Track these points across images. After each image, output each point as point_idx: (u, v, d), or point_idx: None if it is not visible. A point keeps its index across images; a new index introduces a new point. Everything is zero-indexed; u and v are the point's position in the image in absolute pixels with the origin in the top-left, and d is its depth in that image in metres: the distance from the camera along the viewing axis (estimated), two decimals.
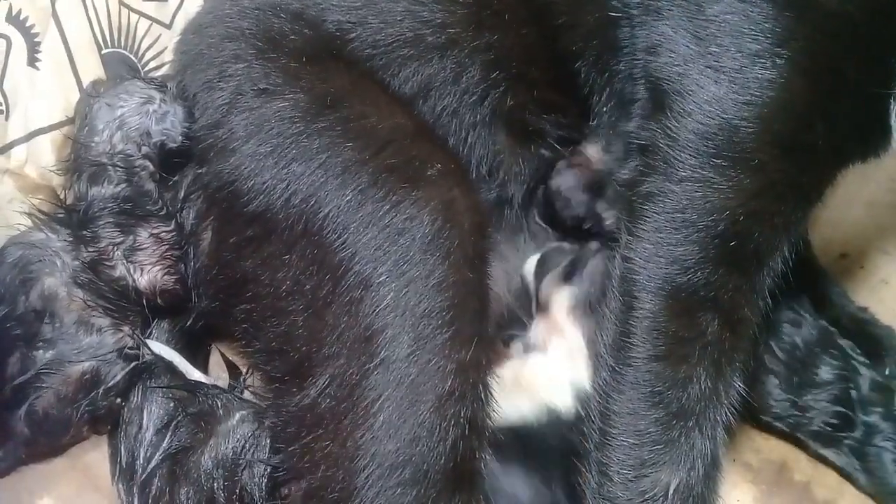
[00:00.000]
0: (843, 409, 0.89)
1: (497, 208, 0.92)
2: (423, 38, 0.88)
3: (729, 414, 0.76)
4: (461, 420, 0.72)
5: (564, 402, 0.85)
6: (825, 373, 0.90)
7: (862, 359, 0.91)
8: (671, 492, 0.74)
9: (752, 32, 0.74)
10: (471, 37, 0.88)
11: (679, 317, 0.75)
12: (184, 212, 0.90)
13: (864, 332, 0.96)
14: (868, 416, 0.88)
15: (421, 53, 0.88)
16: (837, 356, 0.91)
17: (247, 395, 0.89)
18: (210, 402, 0.85)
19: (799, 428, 0.91)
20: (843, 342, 0.92)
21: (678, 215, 0.75)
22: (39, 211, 0.91)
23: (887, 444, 0.87)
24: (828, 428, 0.89)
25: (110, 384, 0.87)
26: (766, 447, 0.94)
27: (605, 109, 0.89)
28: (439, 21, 0.88)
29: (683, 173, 0.76)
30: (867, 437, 0.88)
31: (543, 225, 0.96)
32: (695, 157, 0.75)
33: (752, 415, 0.92)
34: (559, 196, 0.94)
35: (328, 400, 0.73)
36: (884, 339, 0.96)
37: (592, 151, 0.93)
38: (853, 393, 0.89)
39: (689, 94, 0.76)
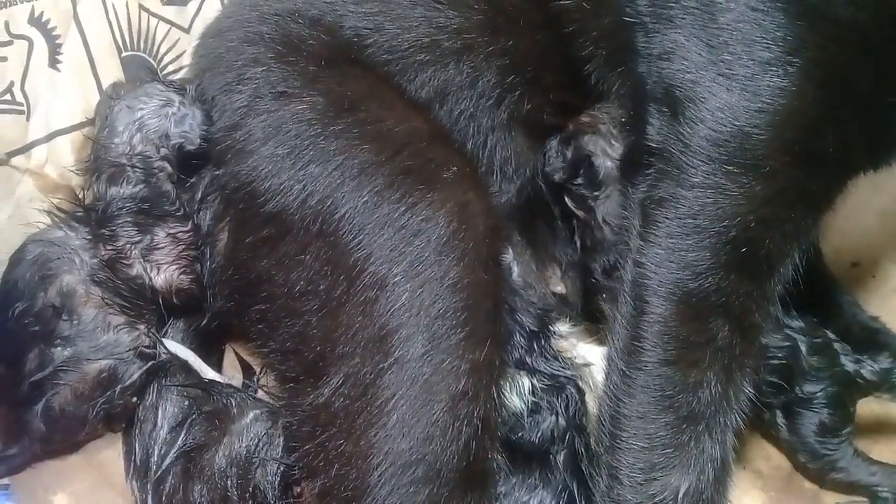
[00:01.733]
0: (786, 373, 0.91)
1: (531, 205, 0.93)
2: (440, 43, 0.89)
3: (739, 419, 0.76)
4: (474, 420, 0.73)
5: None
6: (775, 348, 0.92)
7: (798, 323, 0.93)
8: (681, 496, 0.74)
9: (765, 41, 0.74)
10: (486, 42, 0.89)
11: (690, 322, 0.75)
12: (201, 212, 0.91)
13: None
14: (807, 380, 0.91)
15: (437, 58, 0.89)
16: (781, 329, 0.93)
17: (260, 394, 0.90)
18: (224, 400, 0.85)
19: None
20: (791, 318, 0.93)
21: (690, 221, 0.76)
22: (59, 209, 0.92)
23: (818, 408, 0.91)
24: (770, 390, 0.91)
25: (127, 383, 0.87)
26: (776, 454, 0.94)
27: (618, 113, 0.90)
28: (455, 27, 0.89)
29: (695, 179, 0.76)
30: (801, 399, 0.91)
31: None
32: (707, 164, 0.75)
33: None
34: (549, 160, 0.93)
35: (342, 399, 0.74)
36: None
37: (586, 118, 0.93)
38: (794, 361, 0.91)
39: (702, 102, 0.76)
